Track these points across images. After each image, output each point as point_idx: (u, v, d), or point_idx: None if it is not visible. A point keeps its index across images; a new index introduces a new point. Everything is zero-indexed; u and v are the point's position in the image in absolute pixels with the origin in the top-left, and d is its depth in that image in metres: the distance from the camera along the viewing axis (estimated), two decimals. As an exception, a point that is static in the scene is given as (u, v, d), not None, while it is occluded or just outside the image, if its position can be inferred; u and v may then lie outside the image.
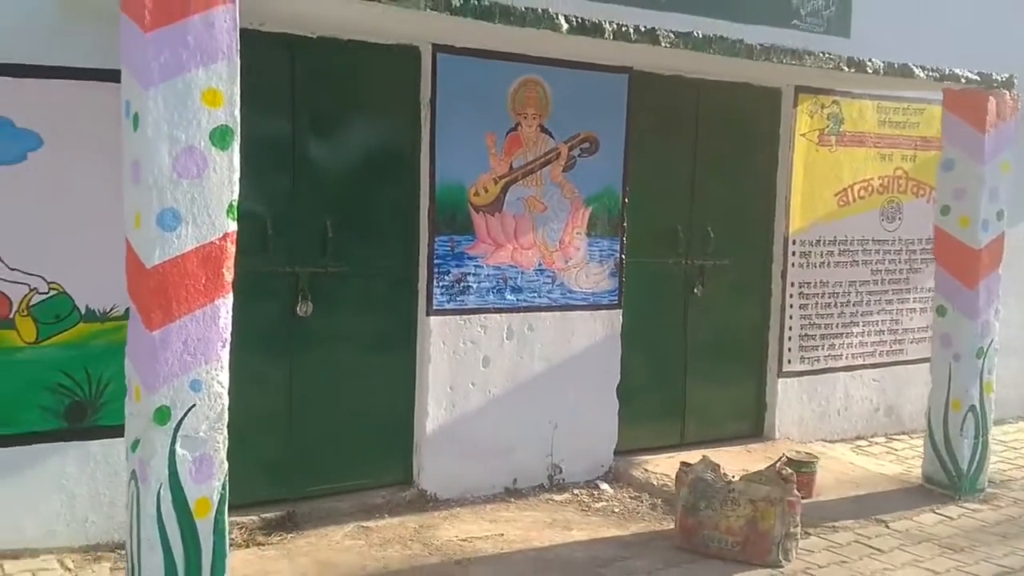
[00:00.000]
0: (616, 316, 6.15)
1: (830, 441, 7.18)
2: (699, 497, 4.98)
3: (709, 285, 6.64)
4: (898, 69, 5.38)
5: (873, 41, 6.69)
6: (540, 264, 5.84)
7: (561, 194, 5.87)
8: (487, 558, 4.84)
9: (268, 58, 4.96)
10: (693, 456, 5.48)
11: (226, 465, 3.69)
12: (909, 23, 7.00)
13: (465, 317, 5.62)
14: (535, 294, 5.84)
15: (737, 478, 5.03)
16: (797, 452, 6.05)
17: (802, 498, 5.74)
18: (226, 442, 3.69)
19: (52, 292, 4.49)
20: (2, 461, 4.46)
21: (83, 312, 4.55)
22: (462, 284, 5.58)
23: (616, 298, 6.15)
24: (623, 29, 4.52)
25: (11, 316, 4.41)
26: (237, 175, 3.57)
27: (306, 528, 5.10)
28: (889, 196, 7.34)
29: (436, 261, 5.49)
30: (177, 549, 3.59)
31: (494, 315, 5.71)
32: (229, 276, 3.59)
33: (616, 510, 5.68)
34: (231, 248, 3.58)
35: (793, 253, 6.92)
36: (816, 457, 5.98)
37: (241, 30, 4.65)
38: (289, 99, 5.09)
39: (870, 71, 5.27)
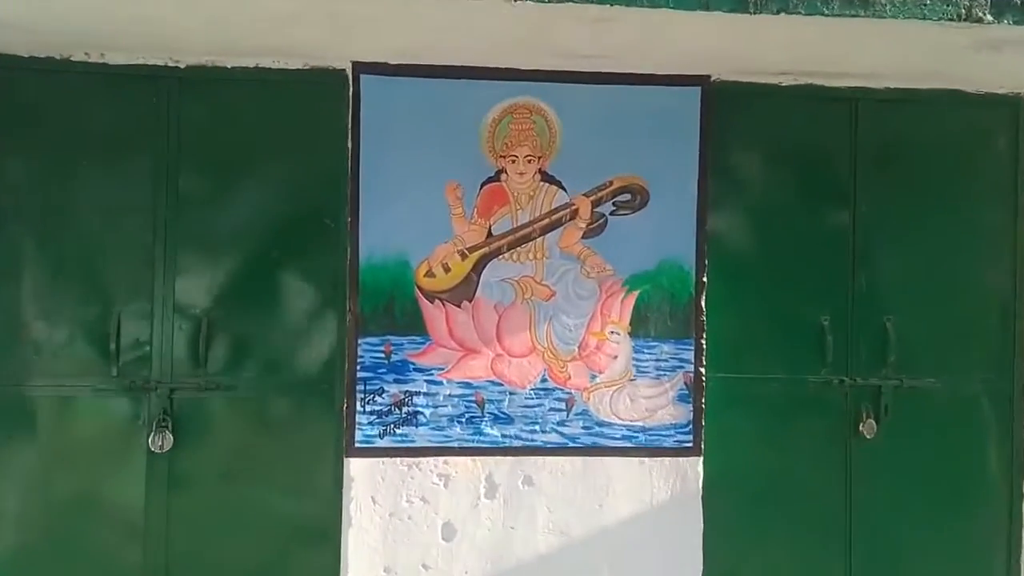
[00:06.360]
0: (691, 467, 3.82)
1: None
2: None
3: (892, 421, 3.97)
4: None
5: None
6: (544, 380, 3.78)
7: (580, 272, 3.80)
8: None
9: (128, 99, 3.70)
10: None
11: None
12: None
13: (411, 461, 3.72)
14: (535, 427, 3.77)
15: None
16: None
17: None
18: None
19: None
20: None
21: None
22: (405, 409, 3.72)
23: (689, 436, 3.83)
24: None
25: None
26: None
27: None
28: None
29: (360, 374, 3.70)
30: None
31: (461, 458, 3.74)
32: None
33: None
34: None
35: (1064, 366, 4.01)
36: None
37: (80, 63, 3.55)
38: (164, 148, 3.71)
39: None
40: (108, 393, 3.68)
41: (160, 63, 3.69)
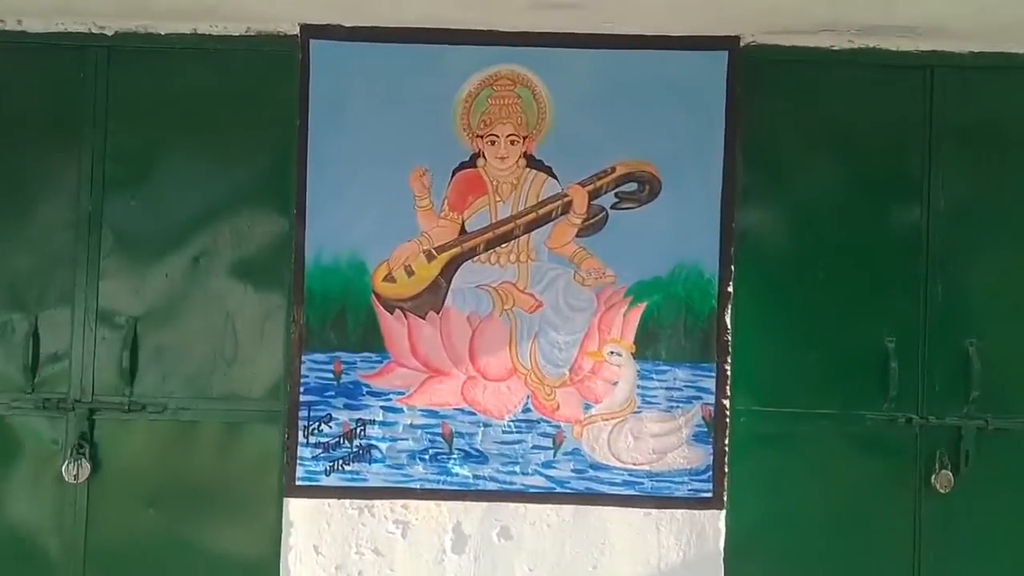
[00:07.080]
0: (710, 522, 3.08)
1: None
2: None
3: (974, 471, 3.14)
4: None
5: None
6: (527, 409, 3.10)
7: (574, 277, 3.10)
8: None
9: (50, 72, 3.20)
10: None
11: None
12: None
13: (362, 504, 3.08)
14: (515, 467, 3.09)
15: None
16: None
17: None
18: None
19: None
20: None
21: None
22: (357, 442, 3.09)
23: (708, 484, 3.08)
24: None
25: None
26: None
27: None
28: None
29: (303, 398, 3.09)
30: None
31: (424, 502, 3.08)
32: None
33: None
34: None
35: None
36: None
37: None
38: (89, 128, 3.18)
39: None
40: (21, 412, 3.17)
41: (84, 29, 3.17)
